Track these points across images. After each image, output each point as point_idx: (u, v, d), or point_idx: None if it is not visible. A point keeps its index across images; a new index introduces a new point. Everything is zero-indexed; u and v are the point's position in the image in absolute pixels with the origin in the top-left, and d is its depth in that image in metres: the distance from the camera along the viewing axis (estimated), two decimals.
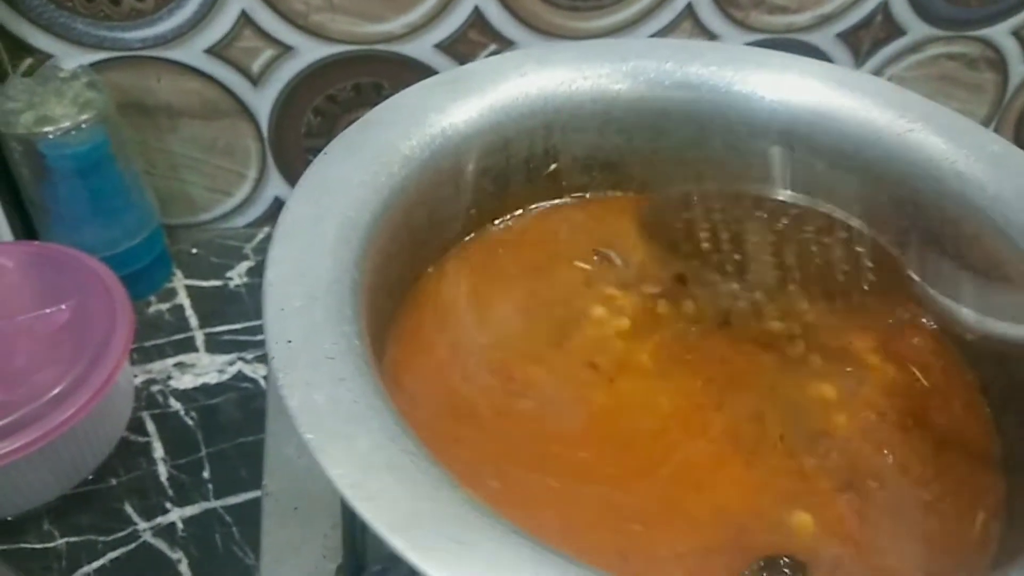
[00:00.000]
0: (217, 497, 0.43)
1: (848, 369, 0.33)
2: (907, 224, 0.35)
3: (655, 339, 0.33)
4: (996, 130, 0.60)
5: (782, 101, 0.37)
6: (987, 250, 0.32)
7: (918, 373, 0.33)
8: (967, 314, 0.30)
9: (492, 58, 0.36)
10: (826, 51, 0.54)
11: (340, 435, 0.21)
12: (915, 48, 0.55)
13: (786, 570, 0.27)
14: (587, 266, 0.36)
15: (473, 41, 0.51)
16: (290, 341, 0.23)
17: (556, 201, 0.39)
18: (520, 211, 0.38)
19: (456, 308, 0.34)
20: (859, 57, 0.55)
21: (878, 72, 0.56)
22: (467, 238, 0.36)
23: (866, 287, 0.32)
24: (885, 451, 0.31)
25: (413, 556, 0.19)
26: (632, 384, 0.32)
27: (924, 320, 0.35)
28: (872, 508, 0.29)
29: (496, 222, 0.38)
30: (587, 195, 0.39)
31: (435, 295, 0.34)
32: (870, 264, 0.32)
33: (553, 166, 0.37)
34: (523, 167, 0.37)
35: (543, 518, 0.26)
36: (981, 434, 0.32)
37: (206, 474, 0.44)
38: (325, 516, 0.39)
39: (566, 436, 0.30)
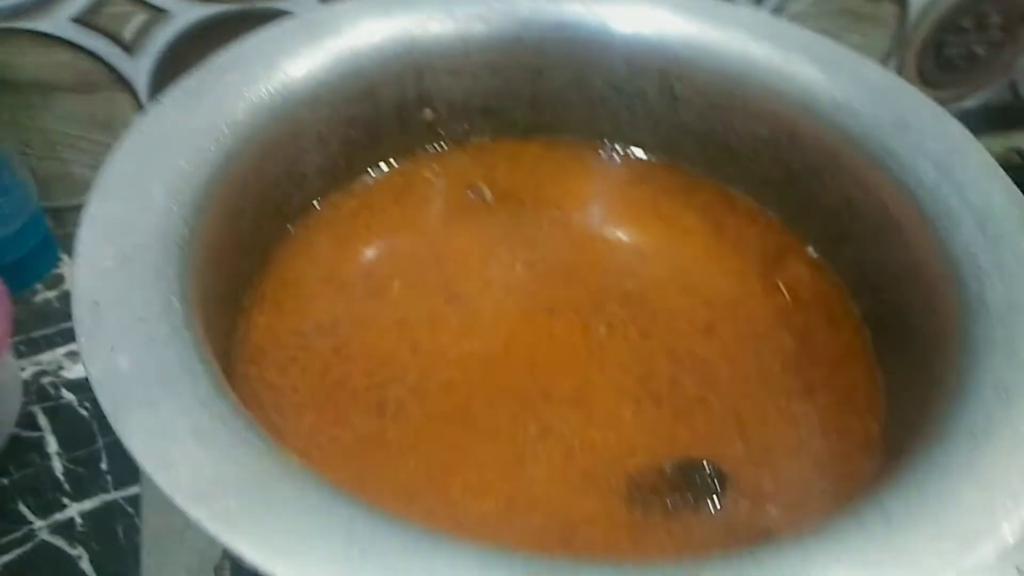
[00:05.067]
0: (117, 488, 0.41)
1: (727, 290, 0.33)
2: (787, 157, 0.34)
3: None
4: (898, 63, 0.60)
5: (660, 38, 0.35)
6: (862, 181, 0.31)
7: (792, 296, 0.32)
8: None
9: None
10: None
11: (143, 402, 0.19)
12: None
13: (704, 475, 0.26)
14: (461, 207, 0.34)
15: None
16: (97, 303, 0.21)
17: (434, 149, 0.37)
18: (394, 161, 0.36)
19: (322, 266, 0.32)
20: None
21: (780, 9, 0.55)
22: (335, 192, 0.34)
23: None
24: (763, 370, 0.30)
25: (211, 526, 0.17)
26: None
27: (808, 250, 0.34)
28: (756, 427, 0.28)
29: (369, 173, 0.36)
30: (467, 142, 0.37)
31: (299, 251, 0.32)
32: None
33: (427, 112, 0.36)
34: (395, 115, 0.35)
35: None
36: (859, 350, 0.31)
37: (104, 466, 0.42)
38: None
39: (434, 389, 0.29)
